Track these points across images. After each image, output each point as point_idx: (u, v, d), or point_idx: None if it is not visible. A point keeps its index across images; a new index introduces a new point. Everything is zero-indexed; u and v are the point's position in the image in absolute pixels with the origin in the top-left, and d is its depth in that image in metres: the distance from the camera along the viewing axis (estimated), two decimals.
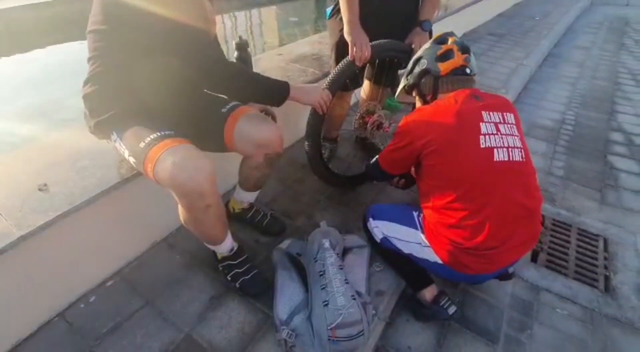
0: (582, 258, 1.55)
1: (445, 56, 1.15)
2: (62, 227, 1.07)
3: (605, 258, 1.55)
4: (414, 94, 1.27)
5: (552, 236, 1.66)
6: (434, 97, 1.17)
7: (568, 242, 1.63)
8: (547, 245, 1.61)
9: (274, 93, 1.19)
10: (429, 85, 1.17)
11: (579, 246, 1.61)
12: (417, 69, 1.21)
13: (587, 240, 1.65)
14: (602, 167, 2.20)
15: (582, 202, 1.83)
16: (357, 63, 1.42)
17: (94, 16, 1.00)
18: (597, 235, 1.67)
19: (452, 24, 3.39)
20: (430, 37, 1.50)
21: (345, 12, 1.41)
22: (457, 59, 1.13)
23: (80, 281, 1.23)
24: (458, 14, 3.81)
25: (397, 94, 1.37)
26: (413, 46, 1.53)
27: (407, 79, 1.26)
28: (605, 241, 1.64)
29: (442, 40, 1.19)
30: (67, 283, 1.19)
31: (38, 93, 3.67)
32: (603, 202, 1.89)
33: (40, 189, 1.12)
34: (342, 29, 1.55)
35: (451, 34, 1.21)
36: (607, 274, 1.48)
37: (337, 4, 1.57)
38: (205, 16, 1.07)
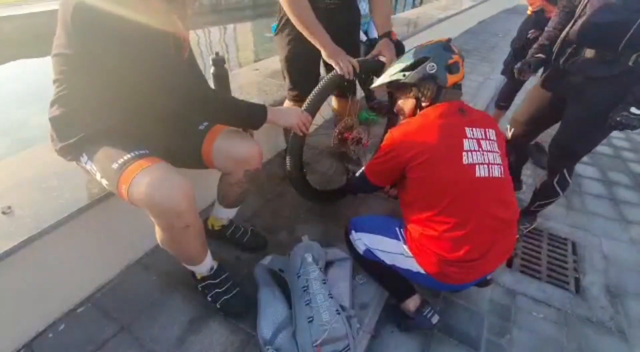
0: (554, 262, 1.62)
1: (454, 68, 1.11)
2: (28, 253, 1.01)
3: (574, 261, 1.63)
4: (405, 91, 1.19)
5: (525, 241, 1.73)
6: (430, 105, 1.13)
7: (540, 247, 1.70)
8: (521, 250, 1.67)
9: (251, 118, 1.16)
10: (431, 92, 1.12)
11: (550, 250, 1.68)
12: (422, 72, 1.11)
13: (557, 244, 1.73)
14: None
15: (550, 208, 1.91)
16: (348, 76, 1.41)
17: (58, 38, 0.94)
18: (565, 239, 1.76)
19: (422, 40, 3.53)
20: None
21: (315, 38, 1.40)
22: (461, 75, 1.14)
23: (48, 309, 1.16)
24: (428, 30, 3.98)
25: (376, 83, 1.28)
26: (384, 59, 1.50)
27: (405, 76, 1.14)
28: (574, 245, 1.72)
29: (450, 48, 1.14)
30: (34, 311, 1.12)
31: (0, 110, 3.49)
32: (569, 207, 2.00)
33: (4, 212, 1.05)
34: (289, 42, 1.57)
35: (450, 42, 1.18)
36: (577, 276, 1.55)
37: (282, 19, 1.58)
38: (177, 38, 1.05)
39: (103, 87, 0.98)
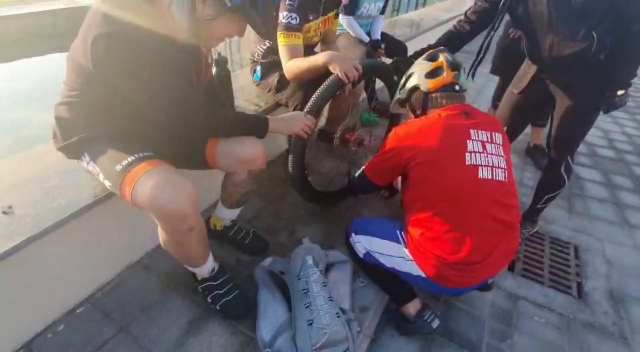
0: (556, 266, 1.61)
1: (435, 73, 1.18)
2: (28, 252, 1.01)
3: (577, 265, 1.62)
4: (406, 107, 1.32)
5: (527, 245, 1.72)
6: (424, 112, 1.21)
7: (542, 251, 1.69)
8: (523, 254, 1.66)
9: (252, 131, 1.18)
10: (419, 101, 1.22)
11: (552, 254, 1.67)
12: (408, 85, 1.25)
13: (559, 248, 1.71)
14: None
15: (552, 211, 1.91)
16: (351, 81, 1.42)
17: (76, 46, 0.93)
18: (568, 243, 1.75)
19: (425, 41, 3.52)
20: None
21: (316, 66, 1.44)
22: (447, 77, 1.17)
23: (47, 309, 1.16)
24: (430, 32, 3.97)
25: (391, 106, 1.42)
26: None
27: (400, 93, 1.30)
28: (576, 249, 1.71)
29: (432, 57, 1.23)
30: (33, 311, 1.12)
31: (2, 108, 3.50)
32: (571, 210, 1.98)
33: (4, 212, 1.05)
34: (279, 82, 1.67)
35: (442, 50, 1.25)
36: (580, 280, 1.54)
37: (263, 66, 1.70)
38: (198, 62, 1.07)
39: (114, 103, 0.98)
